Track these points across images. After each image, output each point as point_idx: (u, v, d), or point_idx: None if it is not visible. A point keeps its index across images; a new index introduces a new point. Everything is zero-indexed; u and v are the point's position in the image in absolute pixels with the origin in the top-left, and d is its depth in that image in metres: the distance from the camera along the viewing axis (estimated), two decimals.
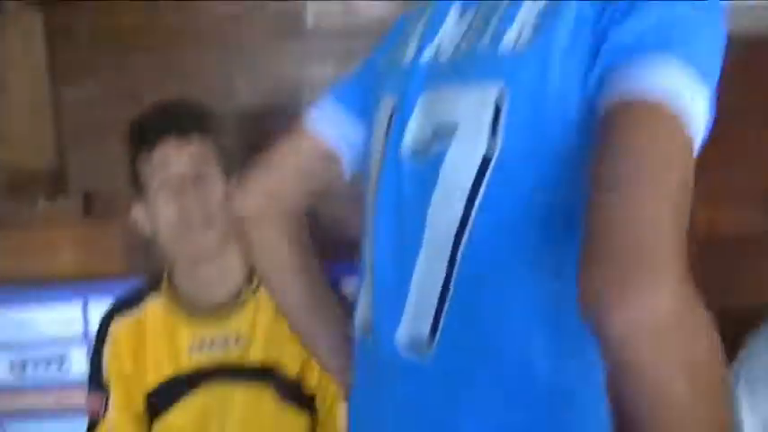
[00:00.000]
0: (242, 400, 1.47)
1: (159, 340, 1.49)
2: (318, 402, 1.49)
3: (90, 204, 1.91)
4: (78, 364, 1.75)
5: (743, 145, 1.74)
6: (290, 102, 1.91)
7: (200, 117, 1.49)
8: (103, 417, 1.48)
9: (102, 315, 1.53)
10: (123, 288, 1.56)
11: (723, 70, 0.78)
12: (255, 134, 1.84)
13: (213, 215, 1.43)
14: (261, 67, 1.93)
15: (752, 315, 1.56)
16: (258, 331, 1.48)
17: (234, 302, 1.49)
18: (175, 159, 1.43)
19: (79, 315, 1.77)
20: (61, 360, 1.78)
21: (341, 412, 1.45)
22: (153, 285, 1.54)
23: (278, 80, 1.93)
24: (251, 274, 1.51)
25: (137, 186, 1.47)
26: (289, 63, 1.93)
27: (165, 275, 1.53)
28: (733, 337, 1.43)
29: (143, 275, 1.59)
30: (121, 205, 1.68)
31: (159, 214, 1.44)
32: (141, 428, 1.49)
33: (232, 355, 1.48)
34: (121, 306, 1.53)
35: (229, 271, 1.49)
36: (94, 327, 1.55)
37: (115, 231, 1.85)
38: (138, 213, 1.48)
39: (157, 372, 1.48)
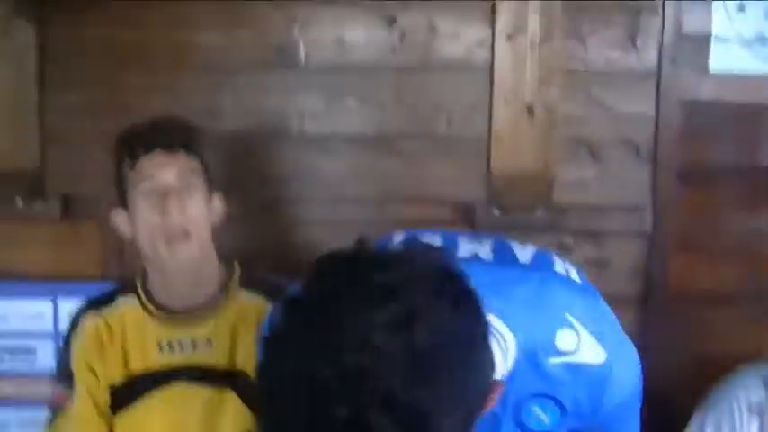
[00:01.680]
0: (205, 401, 1.54)
1: (129, 339, 1.56)
2: None
3: (67, 207, 2.03)
4: (45, 357, 1.91)
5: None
6: (274, 128, 2.01)
7: (189, 135, 1.55)
8: (68, 407, 1.54)
9: (75, 310, 1.60)
10: (94, 290, 1.65)
11: None
12: (238, 155, 1.96)
13: (193, 228, 1.49)
14: (248, 93, 2.00)
15: (723, 363, 1.70)
16: (228, 337, 1.57)
17: (207, 308, 1.56)
18: (162, 171, 1.49)
19: (50, 311, 1.94)
20: (29, 352, 1.93)
21: None
22: (126, 287, 1.61)
23: (264, 106, 2.01)
24: (226, 283, 1.58)
25: (119, 192, 1.54)
26: (276, 92, 2.01)
27: (139, 279, 1.59)
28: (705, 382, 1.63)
29: (115, 279, 1.73)
30: (97, 210, 1.88)
31: (141, 222, 1.50)
32: (104, 421, 1.55)
33: (200, 357, 1.56)
34: (94, 304, 1.60)
35: (204, 280, 1.57)
36: (63, 324, 1.66)
37: (90, 234, 2.00)
38: (117, 218, 1.55)
39: (125, 368, 1.56)
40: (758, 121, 2.00)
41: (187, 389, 1.55)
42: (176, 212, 1.47)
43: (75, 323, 1.58)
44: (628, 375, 1.11)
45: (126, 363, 1.55)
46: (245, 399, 1.55)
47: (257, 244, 1.99)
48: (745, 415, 1.54)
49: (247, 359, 1.55)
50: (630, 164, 2.00)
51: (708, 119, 2.00)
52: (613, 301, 1.97)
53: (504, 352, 1.01)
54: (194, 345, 1.55)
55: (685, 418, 1.65)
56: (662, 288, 2.02)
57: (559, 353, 1.04)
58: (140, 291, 1.58)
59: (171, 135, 1.52)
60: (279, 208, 2.03)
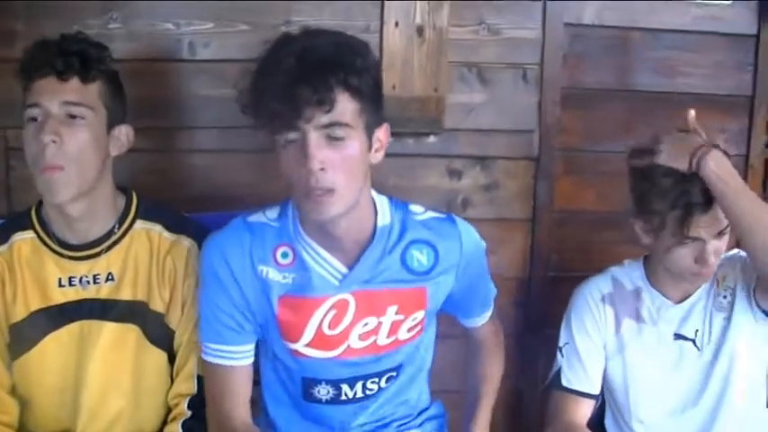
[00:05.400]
0: (107, 338, 1.50)
1: (26, 276, 1.49)
2: (176, 340, 1.54)
3: None
4: None
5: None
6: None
7: (88, 58, 1.44)
8: None
9: None
10: None
11: None
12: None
13: (69, 163, 1.41)
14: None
15: None
16: (130, 270, 1.52)
17: (106, 241, 1.51)
18: (47, 99, 1.42)
19: None
20: None
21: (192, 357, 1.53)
22: (19, 222, 1.53)
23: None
24: (126, 213, 1.52)
25: (22, 112, 1.46)
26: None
27: (33, 211, 1.53)
28: None
29: (3, 218, 1.61)
30: None
31: (26, 148, 1.44)
32: (3, 364, 1.50)
33: (102, 292, 1.51)
34: None
35: (100, 212, 1.50)
36: None
37: None
38: (23, 139, 1.47)
39: (24, 306, 1.49)
40: (635, 44, 2.06)
41: (88, 326, 1.50)
42: (51, 145, 1.40)
43: None
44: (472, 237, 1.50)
45: (25, 302, 1.49)
46: (147, 333, 1.52)
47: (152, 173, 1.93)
48: (600, 305, 1.71)
49: (149, 291, 1.52)
50: (518, 88, 2.03)
51: (590, 43, 2.05)
52: (503, 223, 2.07)
53: (383, 208, 1.42)
54: (95, 279, 1.51)
55: None
56: (548, 210, 2.08)
57: (415, 213, 1.46)
58: (36, 225, 1.52)
59: (66, 59, 1.42)
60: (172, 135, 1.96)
